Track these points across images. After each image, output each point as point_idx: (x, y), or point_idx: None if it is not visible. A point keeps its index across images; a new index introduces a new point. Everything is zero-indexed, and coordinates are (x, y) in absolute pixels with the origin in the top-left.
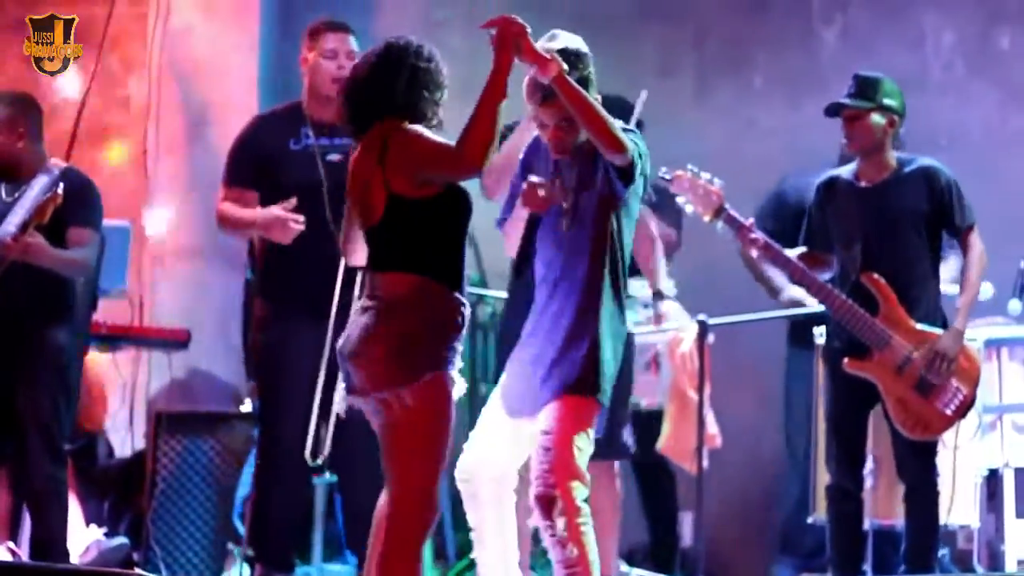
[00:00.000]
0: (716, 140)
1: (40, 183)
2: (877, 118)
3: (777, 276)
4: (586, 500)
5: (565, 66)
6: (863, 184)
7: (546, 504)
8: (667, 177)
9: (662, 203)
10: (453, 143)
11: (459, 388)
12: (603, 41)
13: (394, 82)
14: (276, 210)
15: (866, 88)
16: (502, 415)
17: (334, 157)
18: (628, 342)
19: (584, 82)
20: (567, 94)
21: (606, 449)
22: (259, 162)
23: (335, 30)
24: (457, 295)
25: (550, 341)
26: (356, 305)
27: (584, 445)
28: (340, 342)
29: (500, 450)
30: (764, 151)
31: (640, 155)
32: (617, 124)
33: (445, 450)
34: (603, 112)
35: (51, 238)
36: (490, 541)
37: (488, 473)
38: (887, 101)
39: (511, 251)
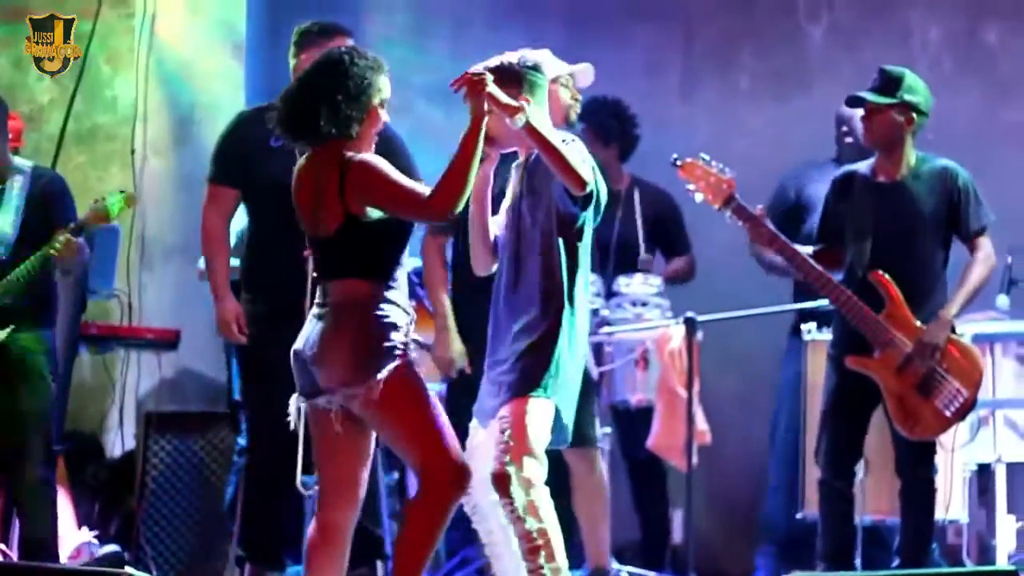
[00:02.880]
0: (703, 137)
1: (16, 183)
2: (896, 114)
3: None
4: (544, 479)
5: (532, 112)
6: (880, 180)
7: (501, 480)
8: (678, 164)
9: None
10: (416, 184)
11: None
12: (591, 40)
13: (318, 107)
14: (232, 315)
15: (888, 83)
16: (476, 427)
17: None
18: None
19: (531, 87)
20: (533, 138)
21: (575, 437)
22: (240, 159)
23: (345, 35)
24: (397, 295)
25: (505, 347)
26: (310, 312)
27: (538, 429)
28: (298, 346)
29: (488, 459)
30: (751, 148)
31: (597, 184)
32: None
33: (436, 412)
34: (565, 151)
35: (38, 239)
36: (502, 551)
37: (482, 483)
38: (908, 97)
39: (477, 268)
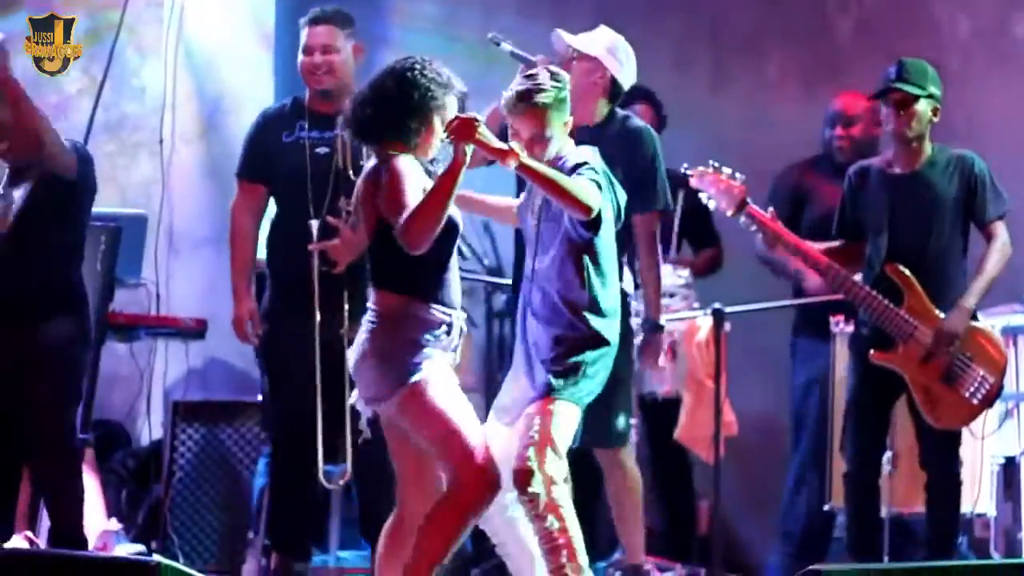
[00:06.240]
0: (732, 131)
1: None
2: (925, 105)
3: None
4: (564, 477)
5: (524, 153)
6: (895, 171)
7: (522, 478)
8: (689, 173)
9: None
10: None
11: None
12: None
13: (382, 107)
14: (245, 314)
15: (915, 73)
16: (496, 423)
17: (321, 150)
18: (623, 335)
19: (559, 105)
20: (531, 177)
21: (600, 437)
22: (264, 154)
23: (311, 23)
24: (441, 308)
25: (532, 346)
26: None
27: (563, 431)
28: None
29: (500, 457)
30: (779, 141)
31: (608, 198)
32: (577, 182)
33: (466, 416)
34: (564, 181)
35: (45, 216)
36: (512, 550)
37: None
38: (934, 89)
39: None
